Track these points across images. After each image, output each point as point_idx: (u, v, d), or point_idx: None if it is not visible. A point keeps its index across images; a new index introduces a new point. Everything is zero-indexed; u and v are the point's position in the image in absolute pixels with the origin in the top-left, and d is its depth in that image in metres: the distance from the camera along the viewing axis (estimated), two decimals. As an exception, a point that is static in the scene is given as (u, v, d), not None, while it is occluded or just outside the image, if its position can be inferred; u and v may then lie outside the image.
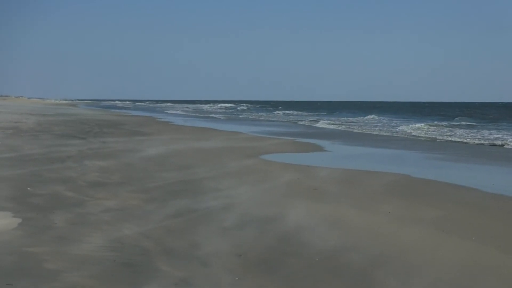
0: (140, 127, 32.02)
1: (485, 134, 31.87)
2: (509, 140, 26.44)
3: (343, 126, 39.78)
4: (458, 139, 27.86)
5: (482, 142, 26.27)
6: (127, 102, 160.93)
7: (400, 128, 37.08)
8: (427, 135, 30.69)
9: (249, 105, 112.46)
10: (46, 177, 12.17)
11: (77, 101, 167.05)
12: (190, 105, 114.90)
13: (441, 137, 29.13)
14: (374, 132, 33.63)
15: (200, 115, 62.25)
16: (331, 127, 39.67)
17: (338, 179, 13.18)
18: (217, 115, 60.91)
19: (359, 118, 55.67)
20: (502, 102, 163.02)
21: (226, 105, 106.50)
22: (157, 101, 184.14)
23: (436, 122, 44.57)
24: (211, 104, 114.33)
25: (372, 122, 47.87)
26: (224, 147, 20.67)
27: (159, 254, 6.92)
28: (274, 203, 10.22)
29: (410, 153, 20.52)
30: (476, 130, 36.13)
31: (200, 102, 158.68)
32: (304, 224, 8.65)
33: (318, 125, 42.32)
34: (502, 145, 24.63)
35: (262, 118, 55.56)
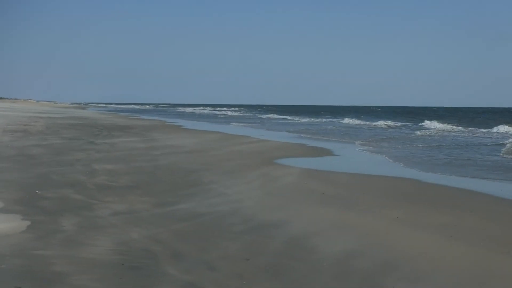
0: (149, 130, 32.09)
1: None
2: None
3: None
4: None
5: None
6: (147, 105, 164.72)
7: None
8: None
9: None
10: (55, 180, 12.22)
11: (86, 104, 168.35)
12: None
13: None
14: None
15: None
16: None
17: (346, 184, 13.17)
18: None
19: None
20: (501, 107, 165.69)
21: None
22: (169, 105, 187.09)
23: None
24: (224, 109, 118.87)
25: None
26: (232, 151, 20.68)
27: (167, 258, 6.93)
28: (281, 207, 10.22)
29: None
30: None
31: (209, 105, 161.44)
32: (312, 229, 8.64)
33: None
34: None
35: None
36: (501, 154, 20.90)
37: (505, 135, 34.20)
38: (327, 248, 7.58)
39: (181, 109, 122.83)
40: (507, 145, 25.21)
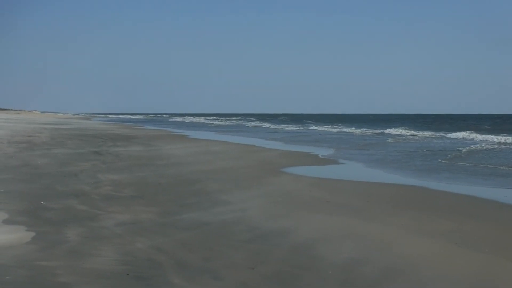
0: (153, 140, 32.13)
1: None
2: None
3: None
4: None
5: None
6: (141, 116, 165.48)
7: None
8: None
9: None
10: (59, 190, 12.23)
11: (91, 115, 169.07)
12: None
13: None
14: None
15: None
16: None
17: (351, 192, 13.15)
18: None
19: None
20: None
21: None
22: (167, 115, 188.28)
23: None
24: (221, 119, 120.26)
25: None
26: (236, 159, 20.68)
27: (171, 268, 6.92)
28: (286, 215, 10.21)
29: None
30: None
31: (192, 115, 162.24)
32: (317, 237, 8.63)
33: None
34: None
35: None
36: (444, 160, 21.47)
37: (461, 141, 35.97)
38: (332, 256, 7.56)
39: (175, 118, 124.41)
40: (463, 150, 26.44)
